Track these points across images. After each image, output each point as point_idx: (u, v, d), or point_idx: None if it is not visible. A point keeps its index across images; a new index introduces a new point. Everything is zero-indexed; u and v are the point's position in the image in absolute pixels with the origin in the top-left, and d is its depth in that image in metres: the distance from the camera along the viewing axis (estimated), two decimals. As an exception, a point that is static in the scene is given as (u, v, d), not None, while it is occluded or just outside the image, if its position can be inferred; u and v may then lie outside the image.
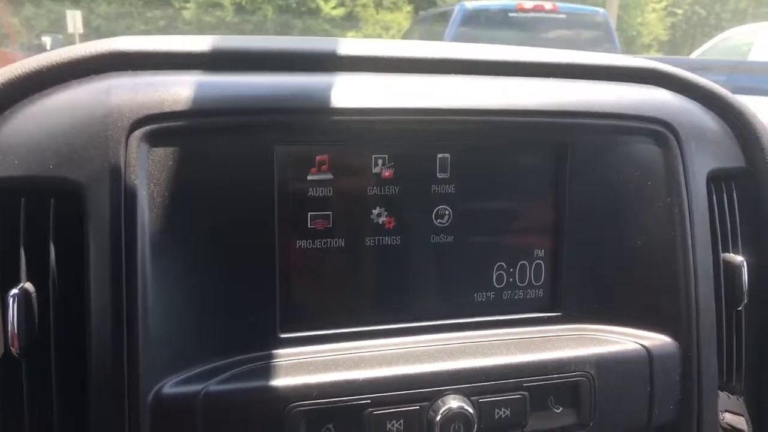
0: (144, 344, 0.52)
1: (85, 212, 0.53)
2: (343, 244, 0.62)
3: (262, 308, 0.59)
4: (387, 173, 0.62)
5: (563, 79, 0.69)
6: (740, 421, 0.73)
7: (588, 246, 0.68)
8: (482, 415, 0.60)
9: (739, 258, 0.71)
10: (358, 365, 0.59)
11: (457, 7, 6.66)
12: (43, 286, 0.53)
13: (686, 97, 0.73)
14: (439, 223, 0.65)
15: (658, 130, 0.67)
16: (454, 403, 0.59)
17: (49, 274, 0.54)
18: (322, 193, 0.61)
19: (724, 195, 0.73)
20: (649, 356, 0.65)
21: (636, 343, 0.65)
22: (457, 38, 6.14)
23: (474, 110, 0.63)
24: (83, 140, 0.53)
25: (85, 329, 0.52)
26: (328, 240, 0.62)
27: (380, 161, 0.62)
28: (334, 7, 14.74)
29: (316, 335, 0.62)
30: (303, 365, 0.59)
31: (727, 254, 0.71)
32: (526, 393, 0.61)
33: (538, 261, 0.68)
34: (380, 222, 0.63)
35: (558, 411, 0.63)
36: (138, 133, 0.54)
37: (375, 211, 0.63)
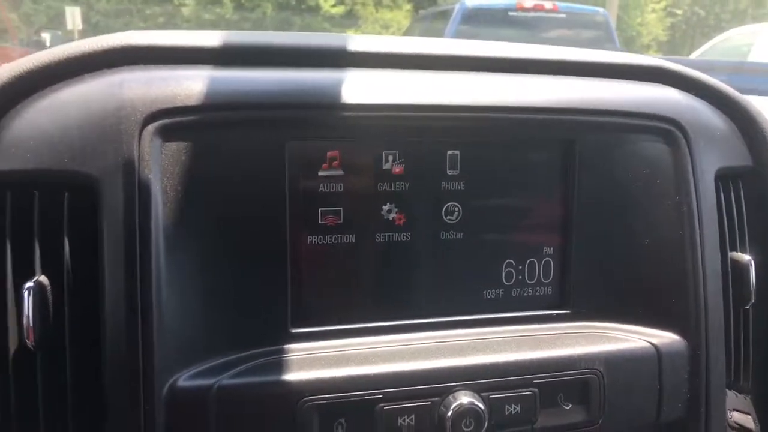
0: (158, 337, 0.52)
1: (99, 205, 0.53)
2: (353, 240, 0.62)
3: (273, 303, 0.60)
4: (397, 169, 0.63)
5: (572, 77, 0.70)
6: (747, 420, 0.73)
7: (596, 244, 0.68)
8: (493, 411, 0.60)
9: (746, 257, 0.71)
10: (369, 360, 0.59)
11: (457, 6, 6.66)
12: (57, 279, 0.53)
13: (694, 96, 0.73)
14: (449, 219, 0.65)
15: (667, 128, 0.67)
16: (464, 399, 0.59)
17: (64, 267, 0.54)
18: (332, 189, 0.61)
19: (732, 194, 0.73)
20: (657, 354, 0.65)
21: (645, 341, 0.66)
22: (457, 37, 6.14)
23: (484, 107, 0.63)
24: (97, 134, 0.53)
25: (99, 321, 0.52)
26: (339, 236, 0.62)
27: (390, 157, 0.62)
28: (334, 5, 14.73)
29: (326, 330, 0.62)
30: (315, 360, 0.59)
31: (734, 253, 0.72)
32: (536, 390, 0.61)
33: (546, 258, 0.68)
34: (390, 218, 0.63)
35: (567, 408, 0.63)
36: (151, 127, 0.54)
37: (385, 208, 0.63)
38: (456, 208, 0.65)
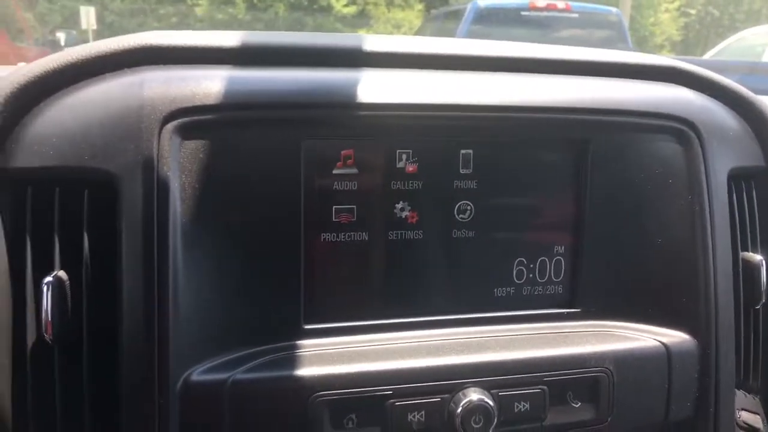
0: (174, 332, 0.53)
1: (119, 202, 0.54)
2: (366, 238, 0.63)
3: (287, 299, 0.61)
4: (411, 168, 0.63)
5: (585, 77, 0.70)
6: (756, 420, 0.73)
7: (608, 243, 0.68)
8: (502, 408, 0.60)
9: (758, 257, 0.71)
10: (380, 357, 0.60)
11: (469, 6, 6.63)
12: (76, 274, 0.55)
13: (707, 96, 0.73)
14: (461, 218, 0.65)
15: (680, 128, 0.68)
16: (474, 395, 0.59)
17: (82, 263, 0.55)
18: (347, 187, 0.62)
19: (744, 194, 0.73)
20: (667, 353, 0.65)
21: (655, 340, 0.66)
22: (469, 36, 6.12)
23: (497, 107, 0.63)
24: (117, 132, 0.54)
25: (116, 316, 0.53)
26: (352, 233, 0.63)
27: (404, 156, 0.63)
28: (346, 5, 14.73)
29: (339, 327, 0.63)
30: (327, 356, 0.60)
31: (746, 253, 0.72)
32: (545, 387, 0.62)
33: (558, 257, 0.69)
34: (403, 216, 0.64)
35: (577, 406, 0.63)
36: (170, 126, 0.55)
37: (398, 206, 0.64)
38: (468, 207, 0.66)
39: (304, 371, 0.57)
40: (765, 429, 0.73)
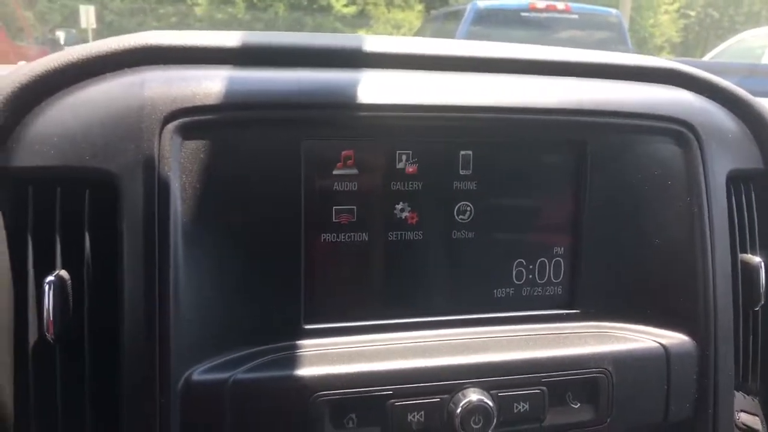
0: (175, 331, 0.54)
1: (120, 202, 0.54)
2: (366, 239, 0.63)
3: (287, 299, 0.61)
4: (411, 169, 0.63)
5: (585, 78, 0.70)
6: (755, 421, 0.73)
7: (607, 244, 0.68)
8: (501, 409, 0.60)
9: (756, 259, 0.71)
10: (380, 357, 0.60)
11: (469, 6, 6.64)
12: (77, 274, 0.55)
13: (707, 98, 0.73)
14: (461, 219, 0.66)
15: (679, 130, 0.68)
16: (474, 396, 0.60)
17: (84, 262, 0.55)
18: (347, 187, 0.62)
19: (743, 196, 0.73)
20: (666, 354, 0.65)
21: (654, 341, 0.66)
22: (469, 37, 6.13)
23: (497, 108, 0.63)
24: (118, 132, 0.54)
25: (117, 315, 0.53)
26: (352, 234, 0.63)
27: (404, 157, 0.63)
28: (346, 5, 14.74)
29: (339, 327, 0.63)
30: (327, 356, 0.60)
31: (745, 255, 0.72)
32: (544, 388, 0.62)
33: (557, 258, 0.69)
34: (403, 217, 0.64)
35: (576, 406, 0.64)
36: (171, 125, 0.55)
37: (398, 206, 0.64)
38: (468, 208, 0.66)
39: (304, 371, 0.57)
40: (764, 430, 0.74)
